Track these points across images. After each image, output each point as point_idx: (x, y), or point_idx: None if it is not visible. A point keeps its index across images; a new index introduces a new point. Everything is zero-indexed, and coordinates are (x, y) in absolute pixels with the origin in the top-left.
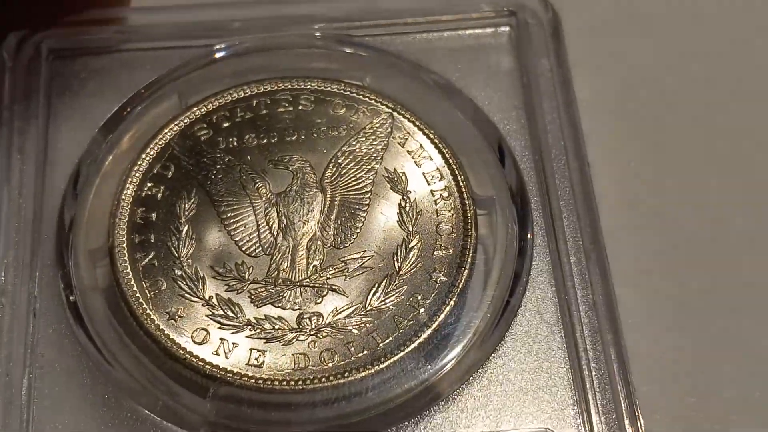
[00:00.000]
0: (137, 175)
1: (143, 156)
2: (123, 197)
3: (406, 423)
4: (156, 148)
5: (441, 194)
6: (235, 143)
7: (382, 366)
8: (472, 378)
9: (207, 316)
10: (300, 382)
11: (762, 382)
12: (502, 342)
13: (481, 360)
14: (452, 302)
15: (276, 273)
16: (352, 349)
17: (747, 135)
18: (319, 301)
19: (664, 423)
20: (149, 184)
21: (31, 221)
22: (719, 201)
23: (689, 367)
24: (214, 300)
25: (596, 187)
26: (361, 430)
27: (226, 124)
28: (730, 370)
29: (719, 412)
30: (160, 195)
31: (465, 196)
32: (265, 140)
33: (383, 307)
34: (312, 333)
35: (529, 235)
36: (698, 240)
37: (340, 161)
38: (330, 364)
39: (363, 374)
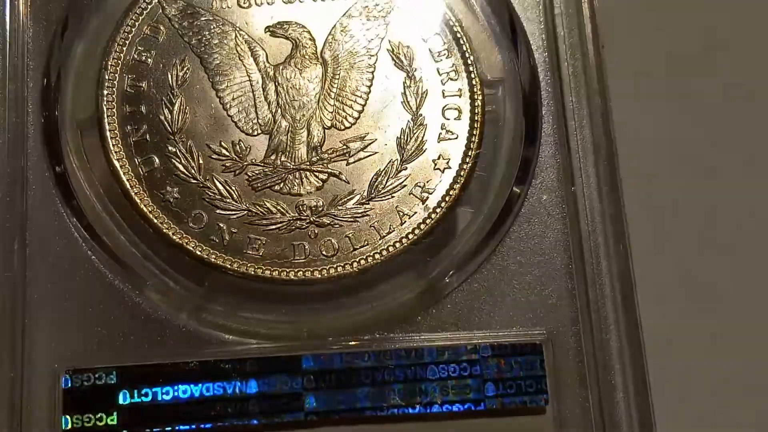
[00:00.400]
0: (125, 36)
1: (131, 16)
2: (111, 62)
3: (407, 320)
4: (144, 7)
5: (448, 74)
6: (230, 5)
7: (383, 259)
8: (473, 275)
9: (203, 199)
10: (299, 273)
11: None
12: (506, 238)
13: (484, 256)
14: (456, 191)
15: (274, 155)
16: (352, 239)
17: None
18: (319, 187)
19: (664, 323)
20: (139, 48)
21: (14, 80)
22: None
23: (695, 267)
24: (211, 182)
25: (609, 72)
26: (358, 326)
27: None
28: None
29: (725, 318)
30: (150, 61)
31: (473, 76)
32: (261, 3)
33: (386, 196)
34: (312, 221)
35: (537, 122)
36: (716, 144)
37: (342, 30)
38: (329, 255)
39: (363, 266)
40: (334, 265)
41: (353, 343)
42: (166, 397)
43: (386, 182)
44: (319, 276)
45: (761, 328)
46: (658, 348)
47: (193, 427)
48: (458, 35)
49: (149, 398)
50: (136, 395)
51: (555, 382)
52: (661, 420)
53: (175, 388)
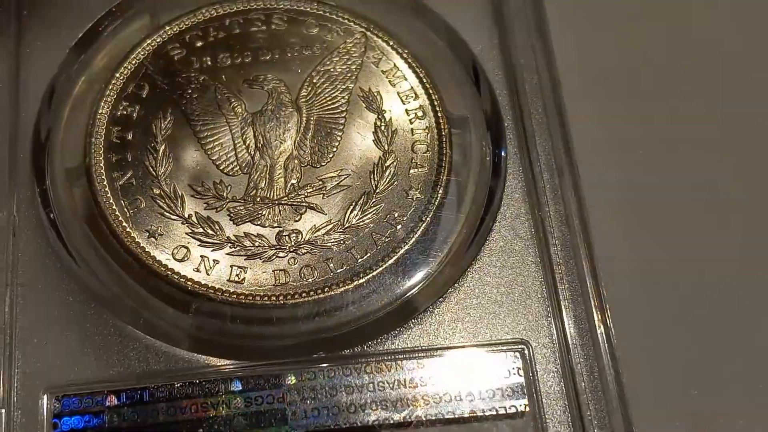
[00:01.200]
0: (112, 94)
1: (117, 75)
2: (98, 116)
3: (385, 336)
4: (129, 68)
5: (416, 113)
6: (209, 63)
7: (360, 281)
8: (448, 292)
9: (187, 233)
10: (281, 298)
11: None
12: (478, 257)
13: (457, 275)
14: (428, 219)
15: (254, 191)
16: (332, 265)
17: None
18: (297, 219)
19: (636, 331)
20: (124, 104)
21: (7, 141)
22: (696, 129)
23: (662, 278)
24: (194, 218)
25: (568, 104)
26: (340, 344)
27: (199, 44)
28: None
29: (693, 320)
30: (135, 114)
31: (440, 114)
32: (239, 60)
33: (361, 224)
34: (291, 250)
35: (502, 153)
36: (673, 160)
37: (315, 81)
38: (310, 280)
39: (342, 289)
40: (314, 289)
41: (334, 361)
42: (154, 419)
43: (361, 212)
44: (300, 300)
45: (739, 332)
46: (631, 352)
47: None
48: (424, 79)
49: (137, 420)
50: (124, 418)
51: (533, 388)
52: (638, 423)
53: (163, 409)
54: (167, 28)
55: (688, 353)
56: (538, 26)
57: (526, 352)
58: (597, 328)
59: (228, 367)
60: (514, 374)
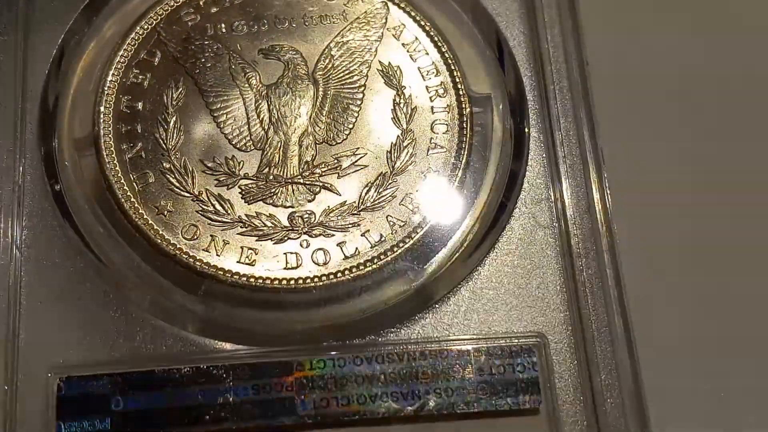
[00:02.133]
0: (122, 61)
1: (128, 41)
2: (108, 84)
3: (398, 326)
4: (141, 33)
5: (436, 90)
6: (224, 30)
7: (374, 267)
8: (464, 281)
9: (197, 211)
10: (292, 282)
11: None
12: (496, 245)
13: (474, 263)
14: (447, 202)
15: (267, 169)
16: (344, 249)
17: None
18: (311, 199)
19: (657, 328)
20: (135, 71)
21: (14, 109)
22: (723, 120)
23: (683, 271)
24: (204, 195)
25: (594, 87)
26: (352, 332)
27: (214, 9)
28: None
29: (715, 316)
30: (146, 83)
31: (461, 93)
32: (255, 28)
33: (377, 207)
34: (304, 232)
35: (525, 136)
36: (700, 151)
37: (333, 53)
38: (322, 264)
39: (355, 274)
40: (326, 273)
41: (345, 349)
42: (160, 403)
43: (377, 194)
44: (311, 284)
45: (758, 330)
46: (650, 349)
47: None
48: (446, 54)
49: (143, 404)
50: (130, 402)
51: (548, 383)
52: (655, 422)
53: (169, 393)
54: None
55: (709, 352)
56: (568, 4)
57: (542, 345)
58: (616, 323)
59: (237, 352)
60: (529, 368)
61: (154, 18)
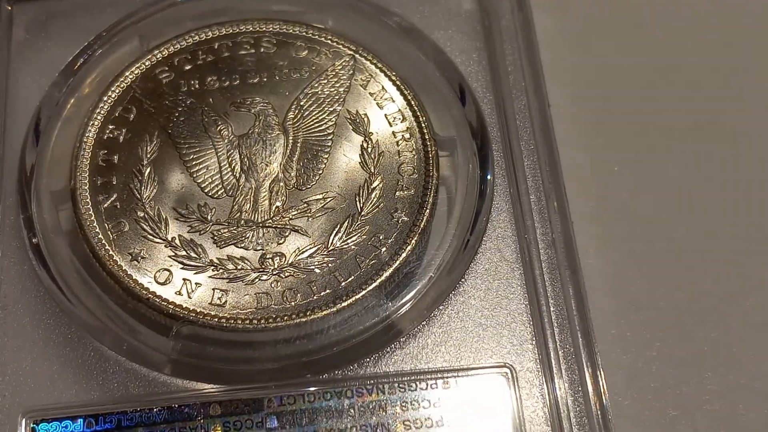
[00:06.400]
0: (99, 117)
1: (105, 98)
2: (85, 140)
3: (368, 359)
4: (117, 91)
5: (403, 135)
6: (197, 86)
7: (343, 304)
8: (432, 315)
9: (170, 256)
10: (263, 321)
11: None
12: (463, 280)
13: (441, 297)
14: (413, 241)
15: (238, 214)
16: (315, 288)
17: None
18: (281, 242)
19: (622, 357)
20: (111, 127)
21: None
22: (680, 148)
23: (647, 302)
24: (177, 241)
25: (556, 127)
26: (322, 368)
27: (187, 67)
28: (683, 291)
29: (677, 345)
30: (122, 137)
31: (426, 137)
32: (227, 83)
33: (345, 247)
34: (274, 273)
35: (489, 176)
36: (657, 179)
37: (302, 103)
38: (292, 303)
39: (325, 312)
40: (297, 312)
41: (316, 385)
42: None
43: (345, 235)
44: (282, 324)
45: (729, 351)
46: (616, 377)
47: None
48: (412, 102)
49: None
50: None
51: (516, 415)
52: None
53: None
54: (156, 51)
55: (677, 378)
56: (527, 48)
57: (510, 376)
58: (582, 353)
59: (208, 391)
60: (498, 399)
61: (130, 76)
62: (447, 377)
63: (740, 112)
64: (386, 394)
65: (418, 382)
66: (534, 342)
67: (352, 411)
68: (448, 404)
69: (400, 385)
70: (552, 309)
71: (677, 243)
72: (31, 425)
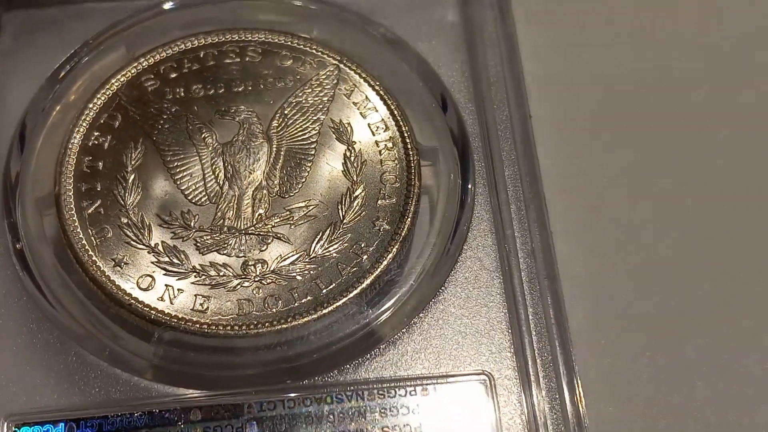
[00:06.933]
0: (84, 124)
1: (90, 106)
2: (70, 146)
3: (348, 366)
4: (103, 98)
5: (386, 144)
6: (182, 94)
7: (324, 311)
8: (412, 323)
9: (153, 263)
10: (244, 327)
11: None
12: (443, 288)
13: (421, 305)
14: (394, 250)
15: (221, 221)
16: (296, 295)
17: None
18: (263, 249)
19: (599, 370)
20: (96, 134)
21: None
22: (660, 159)
23: (626, 311)
24: (160, 247)
25: (537, 138)
26: (302, 374)
27: (173, 75)
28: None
29: (656, 348)
30: (107, 144)
31: (409, 146)
32: (212, 91)
33: (327, 254)
34: (256, 279)
35: (470, 185)
36: (636, 189)
37: (286, 112)
38: (274, 310)
39: (306, 319)
40: (278, 319)
41: (296, 391)
42: None
43: (327, 242)
44: (263, 330)
45: (708, 358)
46: (593, 388)
47: None
48: (395, 111)
49: None
50: None
51: (494, 423)
52: None
53: None
54: (142, 59)
55: (655, 386)
56: (510, 59)
57: (489, 383)
58: (560, 361)
59: (189, 396)
60: (476, 406)
61: (116, 84)
62: (426, 384)
63: (724, 121)
64: (366, 400)
65: (397, 389)
66: (512, 350)
67: (331, 417)
68: (427, 411)
69: (380, 392)
70: (531, 317)
71: (657, 252)
72: (13, 429)
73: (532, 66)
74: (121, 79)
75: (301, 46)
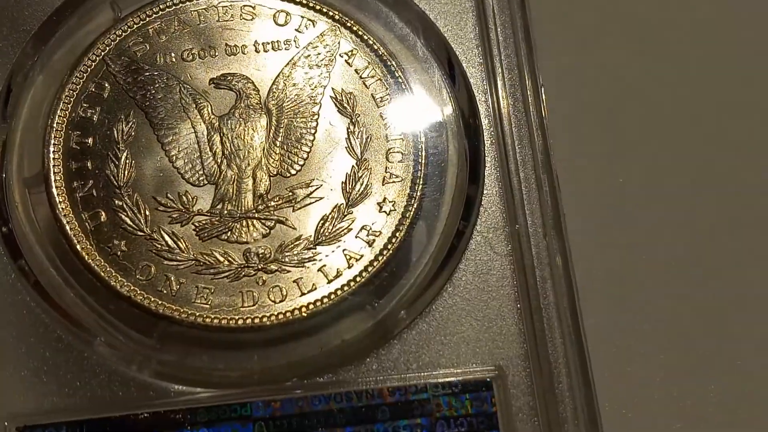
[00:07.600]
0: (71, 94)
1: (76, 74)
2: (57, 120)
3: (357, 362)
4: (89, 65)
5: (391, 117)
6: (174, 59)
7: (331, 302)
8: (422, 314)
9: (151, 251)
10: (248, 320)
11: None
12: (453, 276)
13: (432, 295)
14: (402, 234)
15: (221, 204)
16: (301, 285)
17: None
18: (266, 234)
19: (616, 362)
20: (84, 105)
21: None
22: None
23: (641, 297)
24: (158, 234)
25: (549, 108)
26: (310, 370)
27: (163, 38)
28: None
29: (670, 343)
30: (96, 117)
31: (416, 119)
32: (205, 56)
33: (332, 240)
34: (259, 269)
35: (481, 155)
36: (651, 170)
37: (285, 80)
38: (278, 302)
39: (312, 311)
40: (283, 311)
41: (303, 388)
42: None
43: (332, 227)
44: (268, 323)
45: (722, 354)
46: (607, 381)
47: None
48: (400, 81)
49: None
50: None
51: (506, 418)
52: None
53: None
54: (129, 20)
55: (669, 380)
56: (522, 24)
57: (501, 379)
58: (574, 354)
59: (194, 395)
60: (487, 403)
61: (102, 48)
62: (436, 379)
63: (743, 121)
64: (375, 397)
65: (406, 385)
66: (525, 341)
67: (340, 415)
68: (438, 405)
69: (389, 388)
70: (543, 306)
71: (673, 240)
72: (15, 431)
73: (543, 29)
74: (108, 43)
75: (299, 5)
